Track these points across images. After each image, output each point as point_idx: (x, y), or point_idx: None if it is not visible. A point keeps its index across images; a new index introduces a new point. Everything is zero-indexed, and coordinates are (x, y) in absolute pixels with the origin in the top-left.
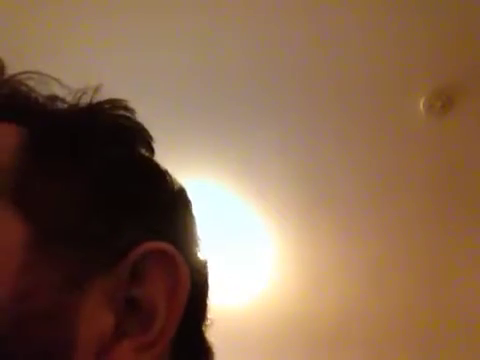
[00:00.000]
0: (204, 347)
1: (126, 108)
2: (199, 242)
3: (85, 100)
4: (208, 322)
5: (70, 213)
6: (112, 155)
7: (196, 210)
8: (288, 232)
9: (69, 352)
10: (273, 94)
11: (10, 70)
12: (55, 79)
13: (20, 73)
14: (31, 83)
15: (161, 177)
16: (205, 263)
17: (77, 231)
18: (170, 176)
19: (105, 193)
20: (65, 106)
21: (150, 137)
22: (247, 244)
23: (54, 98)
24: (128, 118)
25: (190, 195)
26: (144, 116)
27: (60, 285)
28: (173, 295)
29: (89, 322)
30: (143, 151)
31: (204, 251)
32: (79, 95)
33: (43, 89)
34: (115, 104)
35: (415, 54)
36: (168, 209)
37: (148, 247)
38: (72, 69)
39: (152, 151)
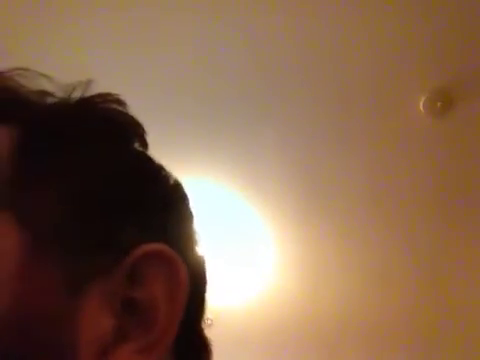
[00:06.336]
0: (202, 344)
1: (119, 101)
2: (197, 237)
3: (76, 95)
4: (208, 322)
5: (66, 215)
6: (107, 153)
7: (195, 209)
8: (288, 232)
9: (71, 356)
10: (272, 92)
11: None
12: (45, 76)
13: (9, 70)
14: (21, 80)
15: (156, 173)
16: (203, 259)
17: (74, 234)
18: (165, 171)
19: (101, 193)
20: (56, 101)
21: (144, 131)
22: (247, 244)
23: (44, 93)
24: (121, 112)
25: (189, 194)
26: (141, 114)
27: (59, 289)
28: (173, 296)
29: (89, 325)
30: (137, 145)
31: (203, 250)
32: (70, 90)
33: (32, 86)
34: (107, 98)
35: (415, 54)
36: (164, 206)
37: (145, 249)
38: (67, 67)
39: (146, 145)
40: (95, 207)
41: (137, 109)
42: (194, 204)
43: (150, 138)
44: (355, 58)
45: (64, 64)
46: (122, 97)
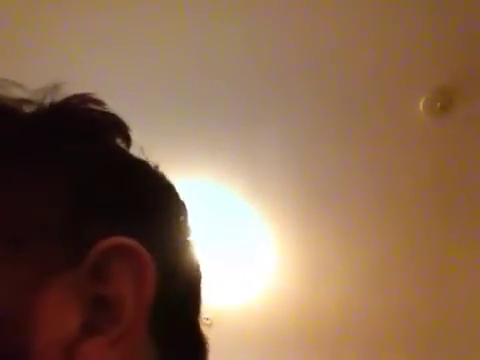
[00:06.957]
0: (199, 342)
1: (95, 101)
2: (188, 234)
3: (51, 99)
4: (208, 321)
5: (32, 212)
6: (77, 151)
7: (195, 209)
8: (288, 232)
9: (32, 353)
10: (273, 92)
11: None
12: (19, 85)
13: None
14: None
15: (135, 169)
16: (196, 257)
17: (38, 230)
18: (149, 166)
19: (70, 190)
20: (33, 109)
21: (126, 127)
22: (247, 244)
23: (22, 101)
24: (98, 111)
25: (189, 194)
26: (141, 114)
27: (21, 286)
28: (139, 292)
29: (53, 321)
30: (119, 142)
31: (203, 250)
32: (44, 95)
33: (8, 95)
34: (83, 98)
35: (415, 54)
36: (143, 203)
37: (109, 243)
38: (66, 67)
39: (129, 141)
40: (62, 204)
41: (137, 109)
42: (194, 204)
43: (150, 138)
44: (355, 58)
45: (63, 64)
46: (121, 97)
